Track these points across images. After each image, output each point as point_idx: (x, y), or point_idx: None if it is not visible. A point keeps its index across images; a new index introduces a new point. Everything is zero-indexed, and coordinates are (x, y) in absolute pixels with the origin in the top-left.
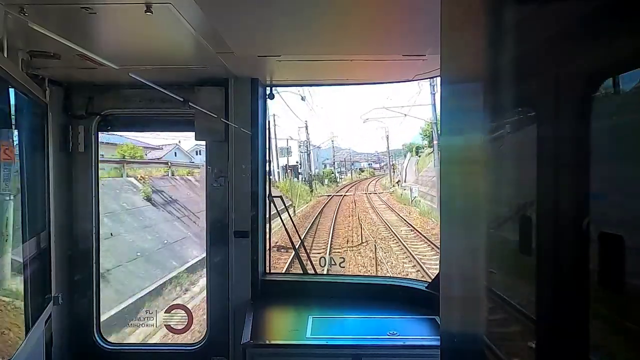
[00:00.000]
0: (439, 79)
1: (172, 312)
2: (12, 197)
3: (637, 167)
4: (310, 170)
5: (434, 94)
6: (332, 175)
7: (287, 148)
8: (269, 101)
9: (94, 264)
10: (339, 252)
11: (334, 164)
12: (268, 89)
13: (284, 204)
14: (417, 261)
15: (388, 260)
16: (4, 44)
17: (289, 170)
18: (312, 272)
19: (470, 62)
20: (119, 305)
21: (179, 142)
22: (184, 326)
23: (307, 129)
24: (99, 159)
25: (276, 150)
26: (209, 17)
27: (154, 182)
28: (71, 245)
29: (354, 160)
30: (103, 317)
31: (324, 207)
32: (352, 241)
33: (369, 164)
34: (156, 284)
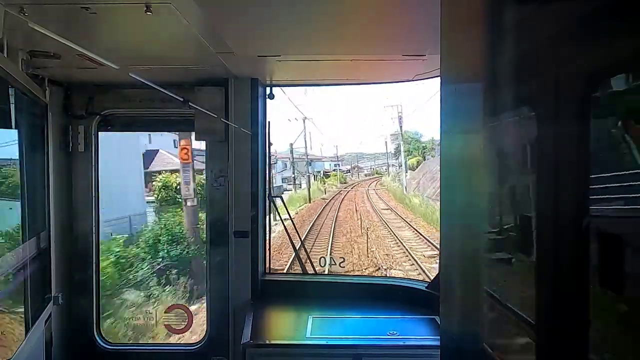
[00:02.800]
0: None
1: (172, 312)
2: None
3: (637, 167)
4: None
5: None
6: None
7: None
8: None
9: (94, 264)
10: None
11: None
12: (268, 89)
13: (284, 205)
14: None
15: None
16: (4, 44)
17: None
18: (312, 272)
19: (470, 62)
20: None
21: None
22: (184, 326)
23: None
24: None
25: None
26: (209, 17)
27: None
28: (71, 245)
29: (314, 159)
30: None
31: None
32: None
33: (335, 165)
34: None
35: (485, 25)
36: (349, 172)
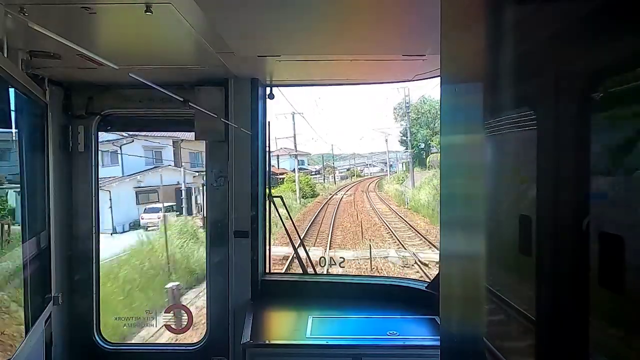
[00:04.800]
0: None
1: (172, 311)
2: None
3: (637, 167)
4: None
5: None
6: None
7: None
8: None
9: (94, 264)
10: None
11: None
12: (268, 89)
13: (284, 204)
14: None
15: None
16: (4, 44)
17: None
18: (312, 272)
19: (470, 62)
20: None
21: None
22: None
23: None
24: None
25: None
26: (209, 17)
27: None
28: (71, 245)
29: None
30: None
31: None
32: None
33: (300, 162)
34: None
35: (485, 26)
36: (319, 173)
